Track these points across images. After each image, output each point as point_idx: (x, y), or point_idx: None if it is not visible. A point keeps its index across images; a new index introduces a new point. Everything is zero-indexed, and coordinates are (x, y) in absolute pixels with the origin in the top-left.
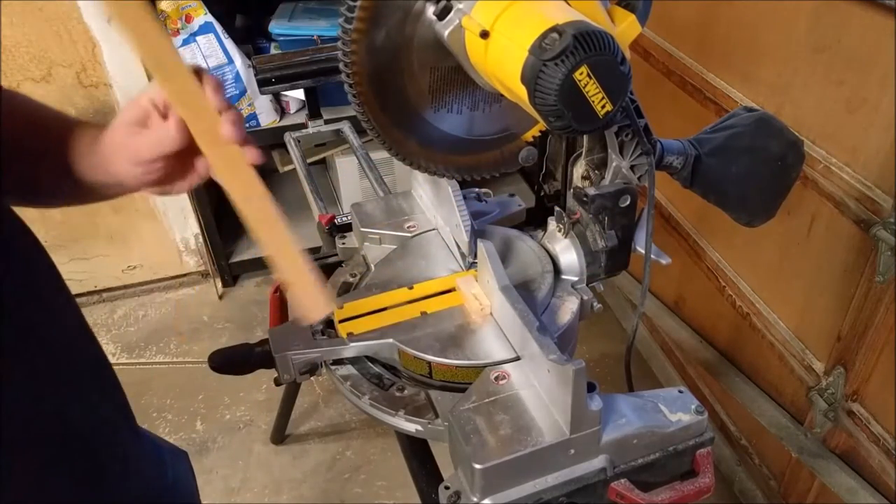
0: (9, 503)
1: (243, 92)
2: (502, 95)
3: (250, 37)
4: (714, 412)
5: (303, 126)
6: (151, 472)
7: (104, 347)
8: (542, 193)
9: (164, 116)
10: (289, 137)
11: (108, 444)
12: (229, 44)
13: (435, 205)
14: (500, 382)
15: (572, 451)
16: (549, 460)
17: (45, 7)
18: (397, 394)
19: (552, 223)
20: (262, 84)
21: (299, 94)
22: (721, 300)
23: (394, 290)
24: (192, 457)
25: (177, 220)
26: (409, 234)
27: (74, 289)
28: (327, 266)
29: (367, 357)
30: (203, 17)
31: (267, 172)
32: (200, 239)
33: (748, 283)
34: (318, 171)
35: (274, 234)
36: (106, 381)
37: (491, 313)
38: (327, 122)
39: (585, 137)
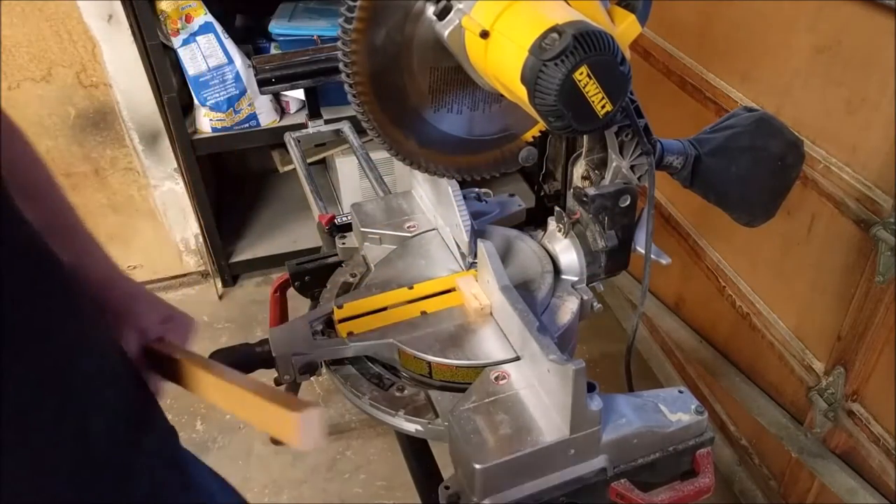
0: None
1: (243, 92)
2: (502, 95)
3: (250, 37)
4: (714, 412)
5: (303, 126)
6: None
7: None
8: (542, 193)
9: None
10: (289, 137)
11: (121, 467)
12: (229, 44)
13: (435, 205)
14: (500, 382)
15: (572, 451)
16: (550, 460)
17: (44, 7)
18: (397, 394)
19: (552, 223)
20: (262, 84)
21: (299, 93)
22: (721, 300)
23: (394, 290)
24: None
25: (177, 220)
26: (409, 234)
27: None
28: (327, 266)
29: (366, 357)
30: (203, 16)
31: (267, 172)
32: (200, 239)
33: (748, 283)
34: (318, 171)
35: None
36: (125, 396)
37: (491, 313)
38: (327, 121)
39: (585, 137)
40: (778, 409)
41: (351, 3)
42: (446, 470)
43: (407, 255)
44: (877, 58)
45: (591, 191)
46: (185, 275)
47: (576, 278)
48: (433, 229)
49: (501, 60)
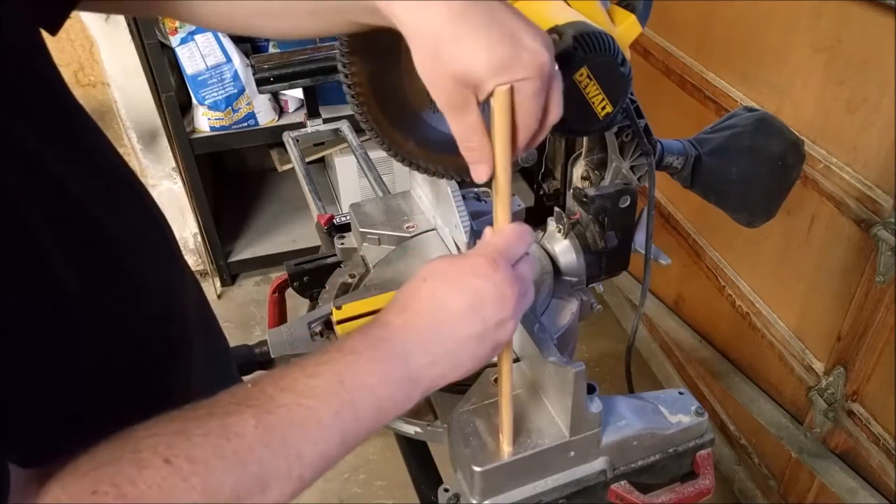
0: None
1: (241, 91)
2: None
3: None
4: (714, 412)
5: (301, 125)
6: None
7: None
8: (542, 192)
9: None
10: (287, 137)
11: None
12: (227, 42)
13: (434, 205)
14: None
15: (572, 454)
16: (549, 462)
17: None
18: None
19: (552, 223)
20: (261, 83)
21: (298, 92)
22: (721, 300)
23: (393, 291)
24: None
25: (175, 220)
26: (408, 235)
27: None
28: (326, 266)
29: None
30: None
31: (266, 171)
32: (199, 238)
33: (748, 283)
34: (317, 171)
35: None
36: None
37: None
38: (326, 121)
39: (585, 138)
40: (778, 409)
41: None
42: (445, 471)
43: (406, 255)
44: (877, 58)
45: (591, 191)
46: None
47: (575, 279)
48: (432, 230)
49: None
